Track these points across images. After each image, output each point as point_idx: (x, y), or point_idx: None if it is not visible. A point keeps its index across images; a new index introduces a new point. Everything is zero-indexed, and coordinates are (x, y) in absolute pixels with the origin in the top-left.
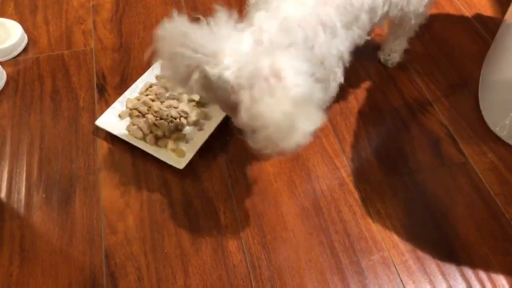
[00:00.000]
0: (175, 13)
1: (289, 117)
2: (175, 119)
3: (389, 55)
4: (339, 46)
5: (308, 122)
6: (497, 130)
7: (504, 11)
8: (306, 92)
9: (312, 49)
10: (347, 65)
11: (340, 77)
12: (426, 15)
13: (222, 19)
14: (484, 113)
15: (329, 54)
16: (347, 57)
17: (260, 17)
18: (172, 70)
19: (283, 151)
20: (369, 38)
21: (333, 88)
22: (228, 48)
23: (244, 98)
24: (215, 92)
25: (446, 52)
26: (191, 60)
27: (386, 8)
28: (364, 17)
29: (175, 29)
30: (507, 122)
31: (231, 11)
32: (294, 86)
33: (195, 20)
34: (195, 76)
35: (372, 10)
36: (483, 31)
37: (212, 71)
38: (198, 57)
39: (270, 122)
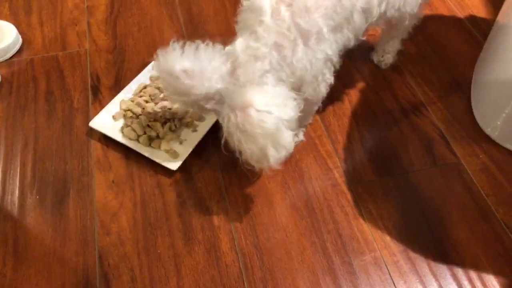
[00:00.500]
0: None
1: (259, 147)
2: (169, 120)
3: (382, 56)
4: (326, 50)
5: (277, 150)
6: (489, 131)
7: (496, 12)
8: (271, 127)
9: (291, 64)
10: (337, 66)
11: (329, 78)
12: (420, 16)
13: (209, 51)
14: (476, 114)
15: (314, 60)
16: (336, 59)
17: (237, 47)
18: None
19: (265, 169)
20: (363, 39)
21: (323, 88)
22: (212, 81)
23: (223, 128)
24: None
25: (439, 53)
26: (189, 101)
27: (383, 7)
28: (357, 18)
29: (168, 68)
30: (498, 123)
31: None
32: (260, 122)
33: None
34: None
35: (366, 11)
36: (475, 32)
37: (208, 106)
38: (193, 97)
39: (244, 150)
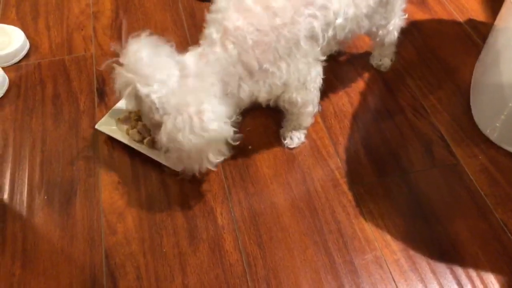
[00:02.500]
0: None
1: (201, 150)
2: None
3: (380, 60)
4: (274, 80)
5: (216, 155)
6: (487, 132)
7: (495, 16)
8: (219, 133)
9: (237, 96)
10: (316, 89)
11: (307, 87)
12: (399, 23)
13: (167, 48)
14: (475, 116)
15: (261, 90)
16: (303, 79)
17: (190, 57)
18: (117, 84)
19: (189, 171)
20: (336, 49)
21: (295, 100)
22: (159, 76)
23: (167, 122)
24: (142, 107)
25: (439, 57)
26: (125, 78)
27: (330, 33)
28: (305, 45)
29: (130, 50)
30: (497, 124)
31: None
32: (211, 130)
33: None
34: (128, 90)
35: (312, 37)
36: (475, 35)
37: (142, 89)
38: (130, 76)
39: (183, 149)
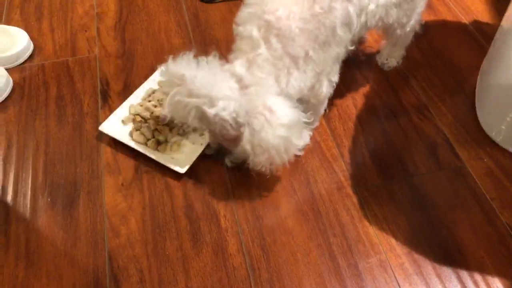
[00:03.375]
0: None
1: (285, 139)
2: (177, 124)
3: (386, 60)
4: (315, 68)
5: (298, 140)
6: (493, 135)
7: (500, 17)
8: (294, 118)
9: (285, 89)
10: (334, 77)
11: (323, 90)
12: (415, 25)
13: (215, 62)
14: (480, 118)
15: (306, 81)
16: (330, 71)
17: (241, 67)
18: (173, 111)
19: (278, 167)
20: (352, 48)
21: (321, 97)
22: (221, 93)
23: (244, 132)
24: (211, 127)
25: (444, 58)
26: (188, 103)
27: (363, 19)
28: (341, 32)
29: (175, 73)
30: (503, 127)
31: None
32: (284, 116)
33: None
34: (192, 114)
35: (348, 24)
36: (480, 37)
37: (210, 111)
38: (194, 100)
39: (270, 146)
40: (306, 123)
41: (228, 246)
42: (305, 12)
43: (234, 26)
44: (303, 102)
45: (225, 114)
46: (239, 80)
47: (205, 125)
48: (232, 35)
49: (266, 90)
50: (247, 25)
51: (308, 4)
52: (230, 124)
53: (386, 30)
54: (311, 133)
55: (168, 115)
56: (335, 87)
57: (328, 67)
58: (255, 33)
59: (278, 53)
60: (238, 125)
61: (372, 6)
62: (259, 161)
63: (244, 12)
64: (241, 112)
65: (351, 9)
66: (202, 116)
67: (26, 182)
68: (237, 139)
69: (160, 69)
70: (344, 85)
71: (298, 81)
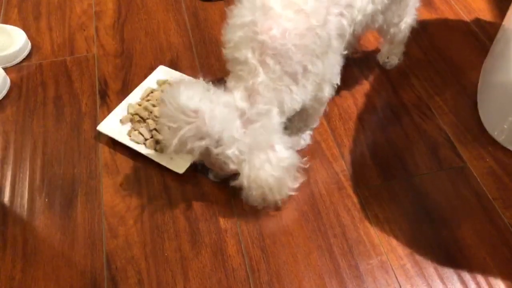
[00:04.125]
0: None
1: (280, 180)
2: None
3: (387, 58)
4: (315, 79)
5: (292, 182)
6: (495, 134)
7: (502, 16)
8: (292, 162)
9: (289, 106)
10: (335, 85)
11: (325, 95)
12: (411, 22)
13: (222, 97)
14: (482, 117)
15: (307, 93)
16: (331, 79)
17: (241, 100)
18: (178, 147)
19: (271, 204)
20: (345, 52)
21: (325, 100)
22: (226, 133)
23: (244, 168)
24: (211, 160)
25: (445, 57)
26: (198, 145)
27: (351, 29)
28: (335, 43)
29: (186, 107)
30: (505, 126)
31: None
32: (285, 158)
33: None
34: (197, 151)
35: (341, 35)
36: (482, 35)
37: (216, 150)
38: (204, 142)
39: (265, 184)
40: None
41: (227, 247)
42: (300, 27)
43: (223, 49)
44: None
45: (229, 153)
46: (242, 114)
47: (206, 158)
48: None
49: (271, 126)
50: (241, 50)
51: (303, 19)
52: (232, 161)
53: (379, 31)
54: (311, 133)
55: (170, 148)
56: (336, 88)
57: (328, 74)
58: (250, 57)
59: (277, 74)
60: (240, 161)
61: (360, 17)
62: (252, 196)
63: (234, 36)
64: (244, 149)
65: (344, 22)
66: (205, 152)
67: (23, 183)
68: (232, 170)
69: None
70: (344, 85)
71: (299, 96)
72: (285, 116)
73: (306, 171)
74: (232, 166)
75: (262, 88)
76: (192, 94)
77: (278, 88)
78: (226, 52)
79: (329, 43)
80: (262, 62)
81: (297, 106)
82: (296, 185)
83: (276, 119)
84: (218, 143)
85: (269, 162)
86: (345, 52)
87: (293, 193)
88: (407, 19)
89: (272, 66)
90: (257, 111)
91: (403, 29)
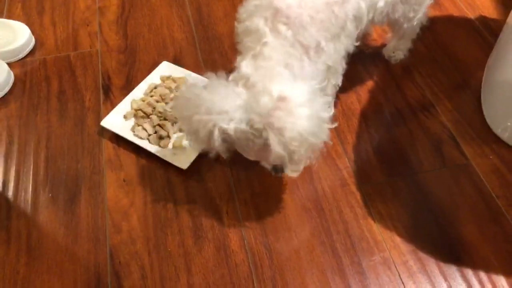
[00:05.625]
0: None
1: (311, 118)
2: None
3: (393, 52)
4: (326, 61)
5: (324, 112)
6: (499, 132)
7: (507, 13)
8: (309, 95)
9: (302, 70)
10: (338, 81)
11: (333, 82)
12: (422, 18)
13: (221, 80)
14: (486, 115)
15: (317, 72)
16: (339, 65)
17: (243, 70)
18: (194, 133)
19: (319, 149)
20: (357, 44)
21: (329, 91)
22: (233, 104)
23: (269, 135)
24: (237, 143)
25: (449, 54)
26: (207, 121)
27: (371, 15)
28: (350, 26)
29: (189, 93)
30: (509, 124)
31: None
32: (299, 96)
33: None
34: (216, 133)
35: (357, 19)
36: (486, 33)
37: (229, 126)
38: (213, 117)
39: (303, 133)
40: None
41: (230, 243)
42: (317, 1)
43: (236, 24)
44: None
45: (244, 126)
46: (246, 81)
47: (231, 145)
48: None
49: (271, 80)
50: (254, 19)
51: None
52: (252, 133)
53: (393, 24)
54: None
55: (190, 142)
56: (338, 90)
57: (337, 63)
58: (261, 24)
59: (289, 40)
60: (259, 132)
61: (381, 4)
62: (301, 157)
63: (249, 5)
64: (255, 117)
65: (363, 5)
66: (226, 137)
67: (27, 177)
68: (265, 147)
69: (163, 64)
70: (348, 81)
71: (310, 70)
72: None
73: (309, 167)
74: (257, 140)
75: (268, 50)
76: (196, 85)
77: (290, 52)
78: (238, 25)
79: (344, 24)
80: (273, 29)
81: (309, 77)
82: (330, 113)
83: (280, 74)
84: (227, 117)
85: (287, 113)
86: (357, 44)
87: (334, 125)
88: (420, 15)
89: (284, 32)
90: (259, 72)
91: (415, 25)
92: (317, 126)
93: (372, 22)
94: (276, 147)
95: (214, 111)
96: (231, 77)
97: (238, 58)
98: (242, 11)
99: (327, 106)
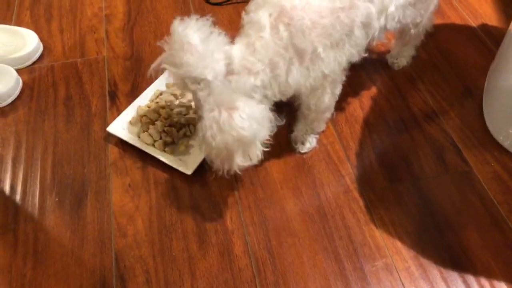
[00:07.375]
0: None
1: (229, 150)
2: (184, 126)
3: (396, 59)
4: (322, 68)
5: (244, 158)
6: (500, 139)
7: (509, 21)
8: (249, 136)
9: (283, 82)
10: (340, 80)
11: (330, 91)
12: (429, 24)
13: (216, 36)
14: (488, 122)
15: (309, 78)
16: (338, 75)
17: (233, 53)
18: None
19: (220, 170)
20: (365, 55)
21: (326, 99)
22: (206, 73)
23: (204, 119)
24: (193, 96)
25: (451, 62)
26: (178, 74)
27: (382, 21)
28: (358, 33)
29: (182, 34)
30: (510, 131)
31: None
32: (240, 129)
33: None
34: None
35: (366, 25)
36: (488, 41)
37: (191, 86)
38: (182, 72)
39: (212, 146)
40: (265, 143)
41: (234, 248)
42: (323, 5)
43: (243, 14)
44: (305, 109)
45: (200, 95)
46: (229, 64)
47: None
48: None
49: (247, 88)
50: (259, 11)
51: None
52: (202, 105)
53: (401, 30)
54: (317, 137)
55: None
56: (337, 99)
57: (335, 73)
58: (265, 18)
59: (283, 42)
60: (204, 109)
61: (392, 8)
62: (208, 153)
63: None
64: (210, 99)
65: (373, 10)
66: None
67: (34, 182)
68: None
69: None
70: (350, 88)
71: (299, 74)
72: (269, 91)
73: (312, 173)
74: (199, 112)
75: (260, 44)
76: (193, 28)
77: (279, 52)
78: (245, 16)
79: (351, 31)
80: (273, 26)
81: (291, 81)
82: (245, 164)
83: (252, 83)
84: (195, 80)
85: (221, 124)
86: (365, 55)
87: (238, 172)
88: (426, 22)
89: (281, 33)
90: (242, 63)
91: (421, 31)
92: (227, 155)
93: (385, 29)
94: (199, 129)
95: (187, 66)
96: (226, 47)
97: (237, 39)
98: (252, 4)
99: (250, 158)
